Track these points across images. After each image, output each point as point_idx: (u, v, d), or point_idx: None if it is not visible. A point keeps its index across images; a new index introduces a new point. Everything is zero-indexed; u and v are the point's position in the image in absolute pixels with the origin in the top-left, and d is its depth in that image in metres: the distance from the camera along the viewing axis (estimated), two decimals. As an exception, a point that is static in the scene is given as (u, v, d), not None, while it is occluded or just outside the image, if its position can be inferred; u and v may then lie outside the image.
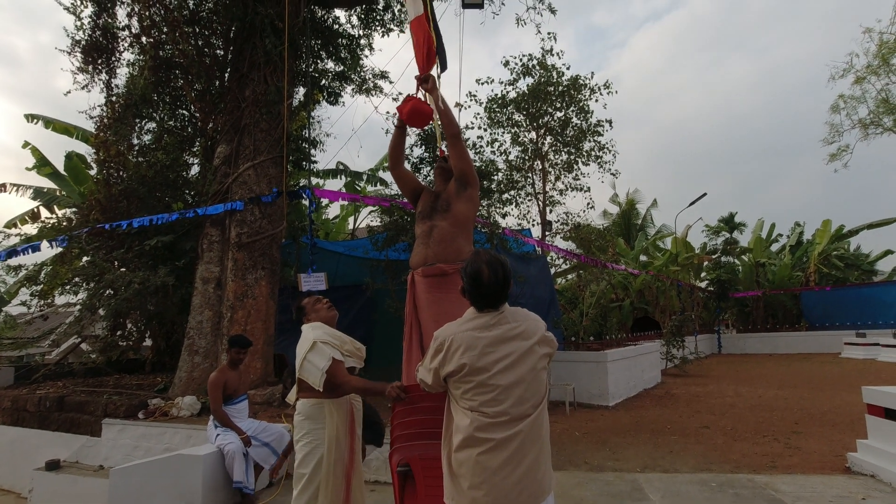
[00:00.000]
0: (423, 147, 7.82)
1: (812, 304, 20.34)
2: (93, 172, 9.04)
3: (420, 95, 2.94)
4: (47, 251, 8.53)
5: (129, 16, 7.69)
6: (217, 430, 4.34)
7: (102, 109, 8.02)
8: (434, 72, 3.15)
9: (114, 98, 7.94)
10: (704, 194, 18.91)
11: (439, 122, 3.15)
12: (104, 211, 7.69)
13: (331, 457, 2.63)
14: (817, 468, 4.55)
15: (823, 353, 17.44)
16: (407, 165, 7.86)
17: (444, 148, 3.05)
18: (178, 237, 7.63)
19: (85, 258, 8.54)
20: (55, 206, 11.56)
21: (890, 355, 13.91)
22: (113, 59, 7.95)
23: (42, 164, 11.47)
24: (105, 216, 7.64)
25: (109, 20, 7.79)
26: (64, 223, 8.44)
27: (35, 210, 11.86)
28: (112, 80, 8.13)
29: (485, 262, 1.92)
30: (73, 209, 9.59)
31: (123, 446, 5.77)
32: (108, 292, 7.40)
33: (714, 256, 21.31)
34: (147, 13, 7.47)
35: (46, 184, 12.21)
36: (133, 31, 7.94)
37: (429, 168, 7.98)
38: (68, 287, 8.38)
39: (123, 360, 8.68)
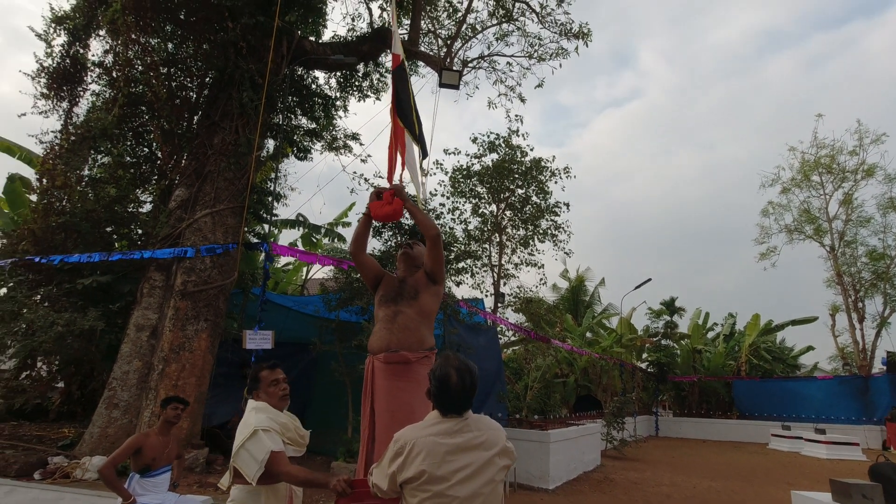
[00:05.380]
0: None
1: (742, 393, 21.25)
2: (33, 198, 8.49)
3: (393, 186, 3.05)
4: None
5: (107, 52, 7.61)
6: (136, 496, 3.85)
7: (56, 136, 7.67)
8: (417, 158, 3.29)
9: (71, 128, 7.64)
10: (649, 279, 19.89)
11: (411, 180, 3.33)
12: (37, 242, 7.15)
13: None
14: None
15: (752, 443, 18.03)
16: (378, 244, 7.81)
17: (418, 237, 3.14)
18: (116, 278, 7.16)
19: (2, 290, 7.81)
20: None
21: (812, 450, 14.56)
22: (79, 88, 7.75)
23: (-29, 183, 10.66)
24: (37, 248, 7.10)
25: (81, 51, 7.66)
26: (-13, 249, 7.76)
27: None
28: (73, 108, 7.88)
29: (454, 367, 1.91)
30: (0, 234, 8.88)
31: (9, 513, 5.05)
32: (21, 326, 6.72)
33: (655, 339, 22.13)
34: (125, 50, 7.40)
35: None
36: (106, 64, 7.82)
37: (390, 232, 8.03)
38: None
39: (28, 407, 7.77)
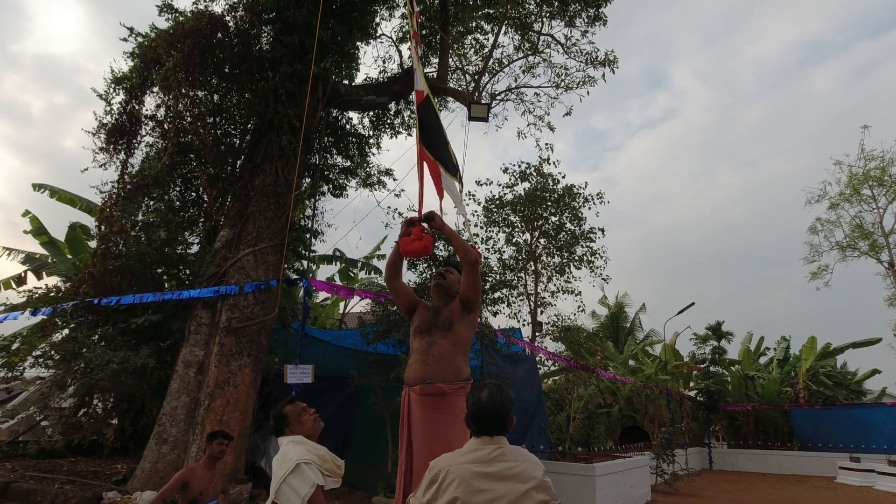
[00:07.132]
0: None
1: (803, 422, 19.86)
2: (92, 244, 9.09)
3: (424, 225, 3.05)
4: (25, 321, 8.30)
5: (159, 106, 8.25)
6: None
7: (113, 186, 8.27)
8: (458, 188, 3.37)
9: (127, 177, 8.23)
10: (692, 303, 19.20)
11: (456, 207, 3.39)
12: (96, 285, 7.61)
13: None
14: None
15: (817, 476, 16.74)
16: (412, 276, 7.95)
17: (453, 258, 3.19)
18: (166, 317, 7.51)
19: (65, 331, 8.29)
20: (44, 273, 11.43)
21: (887, 483, 13.39)
22: (134, 141, 8.38)
23: (39, 233, 11.53)
24: (96, 290, 7.56)
25: (137, 107, 8.31)
26: (51, 293, 8.31)
27: (22, 275, 11.68)
28: (129, 159, 8.49)
29: (486, 387, 1.98)
30: (63, 278, 9.49)
31: (68, 548, 5.24)
32: (80, 365, 7.11)
33: (703, 366, 21.15)
34: (175, 104, 7.99)
35: (40, 249, 12.16)
36: (158, 118, 8.45)
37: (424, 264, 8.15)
38: (41, 360, 8.05)
39: (85, 444, 8.12)
